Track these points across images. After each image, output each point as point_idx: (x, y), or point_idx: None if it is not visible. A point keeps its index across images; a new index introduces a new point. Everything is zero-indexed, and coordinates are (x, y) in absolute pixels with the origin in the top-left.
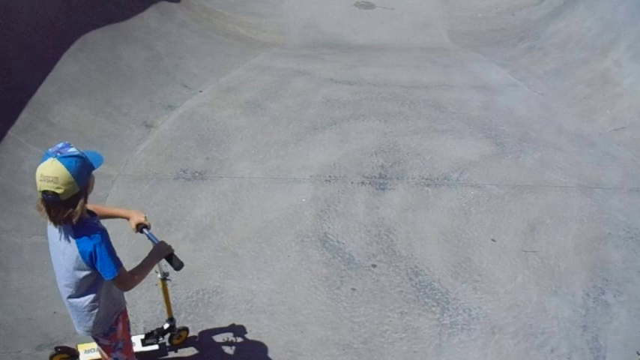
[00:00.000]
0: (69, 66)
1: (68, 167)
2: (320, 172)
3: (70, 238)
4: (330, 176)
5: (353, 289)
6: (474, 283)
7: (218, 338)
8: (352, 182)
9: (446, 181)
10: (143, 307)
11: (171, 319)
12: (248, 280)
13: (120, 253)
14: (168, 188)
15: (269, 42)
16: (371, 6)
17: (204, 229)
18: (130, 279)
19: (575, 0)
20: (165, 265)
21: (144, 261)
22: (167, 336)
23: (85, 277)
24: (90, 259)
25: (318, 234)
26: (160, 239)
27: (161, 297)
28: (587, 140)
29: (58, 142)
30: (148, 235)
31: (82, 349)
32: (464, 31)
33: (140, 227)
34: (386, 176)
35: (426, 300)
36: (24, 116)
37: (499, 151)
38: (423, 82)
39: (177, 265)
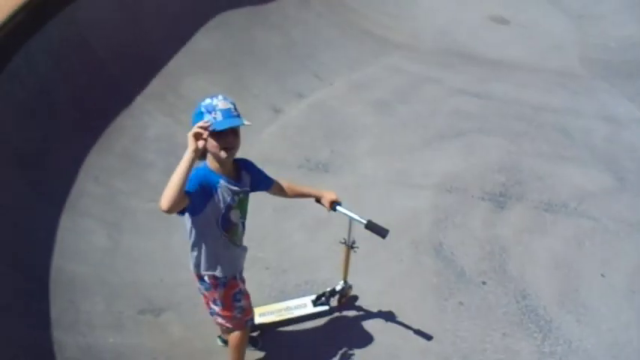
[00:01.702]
0: (203, 41)
1: (196, 108)
2: (442, 181)
3: None
4: (451, 187)
5: (460, 303)
6: (578, 316)
7: (320, 331)
8: (473, 196)
9: (564, 208)
10: (250, 289)
11: (345, 282)
12: (358, 277)
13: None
14: (290, 175)
15: (402, 44)
16: (505, 21)
17: (321, 221)
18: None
19: None
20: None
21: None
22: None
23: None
24: None
25: (433, 242)
26: (280, 224)
27: (270, 281)
28: None
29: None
30: (342, 212)
31: (257, 312)
32: (595, 58)
33: (334, 205)
34: (506, 195)
35: (530, 325)
36: (154, 85)
37: (619, 186)
38: (551, 105)
39: (384, 233)
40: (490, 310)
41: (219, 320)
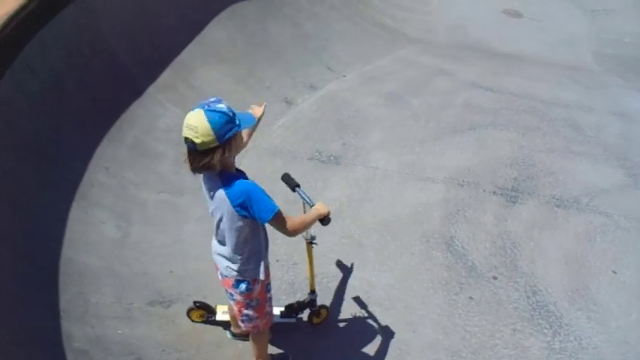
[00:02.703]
0: (216, 32)
1: (210, 120)
2: (454, 175)
3: (220, 190)
4: (463, 181)
5: (470, 298)
6: (588, 312)
7: (331, 323)
8: (484, 190)
9: (575, 204)
10: None
11: (312, 292)
12: (369, 271)
13: None
14: (301, 167)
15: (415, 37)
16: (519, 15)
17: (332, 213)
18: (289, 219)
19: None
20: (314, 230)
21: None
22: (307, 311)
23: (239, 227)
24: (242, 209)
25: (444, 236)
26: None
27: (280, 273)
28: None
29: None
30: (301, 195)
31: (220, 309)
32: (608, 53)
33: (294, 187)
34: (518, 189)
35: (540, 321)
36: (166, 75)
37: (631, 183)
38: (563, 100)
39: (326, 223)
40: (500, 305)
41: (250, 325)
